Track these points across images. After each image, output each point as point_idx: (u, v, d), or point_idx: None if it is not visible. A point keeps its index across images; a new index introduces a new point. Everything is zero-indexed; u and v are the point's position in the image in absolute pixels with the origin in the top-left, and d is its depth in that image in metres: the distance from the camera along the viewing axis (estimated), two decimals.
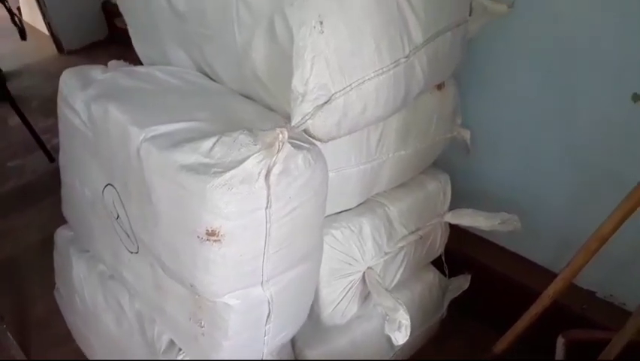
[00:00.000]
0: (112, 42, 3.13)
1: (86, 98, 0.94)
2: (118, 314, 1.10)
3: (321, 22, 0.70)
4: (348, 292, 1.07)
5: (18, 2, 3.14)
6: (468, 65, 1.07)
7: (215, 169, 0.70)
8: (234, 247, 0.74)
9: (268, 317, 0.86)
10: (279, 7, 0.75)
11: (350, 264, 1.04)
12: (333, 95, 0.74)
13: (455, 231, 1.28)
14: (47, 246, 1.36)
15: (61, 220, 1.25)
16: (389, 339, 0.95)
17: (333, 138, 0.82)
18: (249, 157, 0.69)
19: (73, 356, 1.40)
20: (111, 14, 3.03)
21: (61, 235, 1.29)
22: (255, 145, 0.71)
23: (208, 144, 0.73)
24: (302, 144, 0.76)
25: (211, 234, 0.72)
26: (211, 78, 1.01)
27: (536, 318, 1.08)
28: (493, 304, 1.32)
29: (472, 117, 1.23)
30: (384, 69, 0.78)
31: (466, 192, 1.28)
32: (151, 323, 1.03)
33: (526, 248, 1.36)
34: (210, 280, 0.77)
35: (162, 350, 1.01)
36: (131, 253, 0.95)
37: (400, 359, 1.34)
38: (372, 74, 0.77)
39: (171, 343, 1.00)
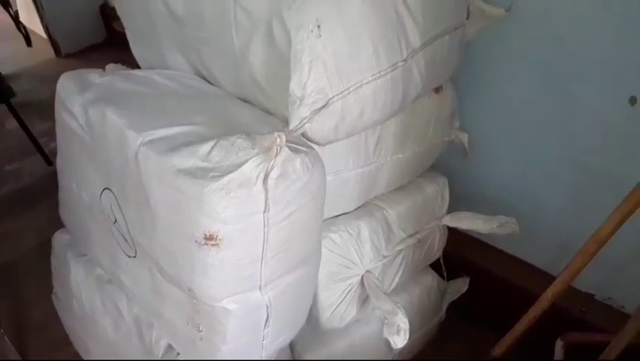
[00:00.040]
0: (110, 45, 3.13)
1: (83, 102, 0.94)
2: (116, 319, 1.10)
3: (319, 26, 0.70)
4: (346, 295, 1.07)
5: (16, 6, 3.14)
6: (466, 68, 1.07)
7: (213, 173, 0.70)
8: (232, 251, 0.74)
9: (266, 321, 0.86)
10: (277, 11, 0.75)
11: (348, 267, 1.04)
12: (330, 98, 0.74)
13: (453, 234, 1.29)
14: (45, 250, 1.35)
15: (59, 224, 1.25)
16: (388, 343, 0.95)
17: (331, 142, 0.82)
18: (246, 161, 0.69)
19: None
20: (109, 17, 3.03)
21: (59, 239, 1.29)
22: (253, 149, 0.71)
23: (206, 148, 0.73)
24: (300, 147, 0.76)
25: (209, 238, 0.72)
26: (209, 82, 1.01)
27: (535, 321, 1.08)
28: (492, 307, 1.32)
29: (470, 120, 1.23)
30: (382, 73, 0.78)
31: (464, 195, 1.28)
32: (149, 327, 1.02)
33: (525, 251, 1.36)
34: (208, 284, 0.77)
35: (160, 354, 1.00)
36: (129, 257, 0.95)
37: None
38: (370, 78, 0.77)
39: (169, 347, 1.00)
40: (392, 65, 0.79)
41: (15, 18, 2.54)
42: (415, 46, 0.82)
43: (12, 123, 2.18)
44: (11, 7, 2.53)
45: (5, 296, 1.63)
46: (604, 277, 1.19)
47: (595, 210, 0.95)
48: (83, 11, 3.04)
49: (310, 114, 0.73)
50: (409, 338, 0.94)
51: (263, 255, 0.77)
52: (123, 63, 1.16)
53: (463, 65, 1.02)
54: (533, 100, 1.15)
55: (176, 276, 0.82)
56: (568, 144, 1.14)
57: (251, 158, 0.69)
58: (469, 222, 1.16)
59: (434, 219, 1.20)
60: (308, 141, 0.79)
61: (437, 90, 1.06)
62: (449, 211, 1.22)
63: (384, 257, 1.10)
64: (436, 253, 1.27)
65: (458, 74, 1.04)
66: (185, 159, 0.73)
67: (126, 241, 0.93)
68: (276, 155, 0.68)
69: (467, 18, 0.96)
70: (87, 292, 1.16)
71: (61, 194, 1.18)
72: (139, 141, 0.79)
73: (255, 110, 0.91)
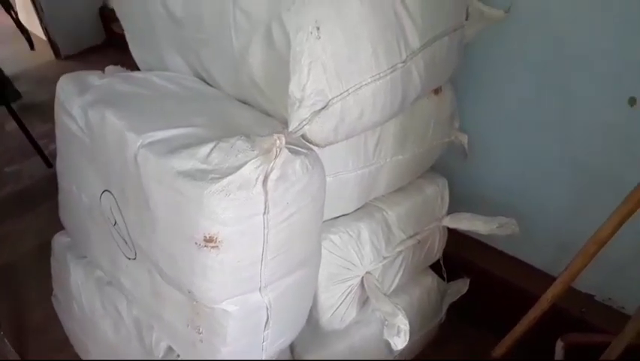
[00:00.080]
0: (109, 47, 3.13)
1: (83, 104, 0.94)
2: (116, 321, 1.10)
3: (318, 28, 0.70)
4: (346, 297, 1.07)
5: (15, 7, 3.14)
6: (465, 69, 1.08)
7: (213, 175, 0.70)
8: (232, 253, 0.74)
9: (267, 322, 0.86)
10: (276, 13, 0.75)
11: (348, 269, 1.04)
12: (330, 100, 0.74)
13: (453, 235, 1.28)
14: (45, 252, 1.35)
15: (59, 226, 1.25)
16: (388, 344, 0.95)
17: (331, 143, 0.82)
18: (246, 163, 0.69)
19: None
20: (108, 19, 3.03)
21: (59, 241, 1.29)
22: (253, 151, 0.71)
23: (205, 150, 0.73)
24: (299, 149, 0.76)
25: (209, 240, 0.72)
26: (208, 84, 1.01)
27: (535, 322, 1.08)
28: (492, 308, 1.32)
29: (470, 121, 1.23)
30: (382, 74, 0.78)
31: (464, 196, 1.28)
32: (149, 329, 1.02)
33: (525, 252, 1.36)
34: (208, 286, 0.77)
35: (160, 356, 1.00)
36: (129, 259, 0.95)
37: None
38: (370, 80, 0.77)
39: (169, 349, 1.00)
40: (391, 67, 0.79)
41: (17, 21, 2.54)
42: (414, 47, 0.82)
43: (12, 125, 2.18)
44: (13, 10, 2.53)
45: (5, 298, 1.63)
46: (604, 277, 1.19)
47: (595, 210, 0.95)
48: (83, 13, 3.04)
49: (310, 116, 0.73)
50: (409, 339, 0.94)
51: (263, 257, 0.77)
52: (122, 65, 1.16)
53: (463, 66, 1.02)
54: (533, 101, 1.15)
55: (176, 278, 0.82)
56: (568, 145, 1.14)
57: (250, 160, 0.69)
58: (469, 223, 1.16)
59: (434, 220, 1.20)
60: (307, 143, 0.79)
61: (436, 91, 1.06)
62: (449, 212, 1.22)
63: (384, 258, 1.10)
64: (436, 254, 1.27)
65: (457, 75, 1.04)
66: (185, 161, 0.73)
67: (126, 243, 0.93)
68: (276, 157, 0.68)
69: (466, 19, 0.96)
70: (87, 294, 1.16)
71: (61, 196, 1.18)
72: (138, 143, 0.79)
73: (254, 111, 0.91)
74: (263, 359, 0.91)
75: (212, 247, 0.72)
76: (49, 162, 2.17)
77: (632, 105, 0.99)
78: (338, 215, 1.07)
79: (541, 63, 1.09)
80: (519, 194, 1.28)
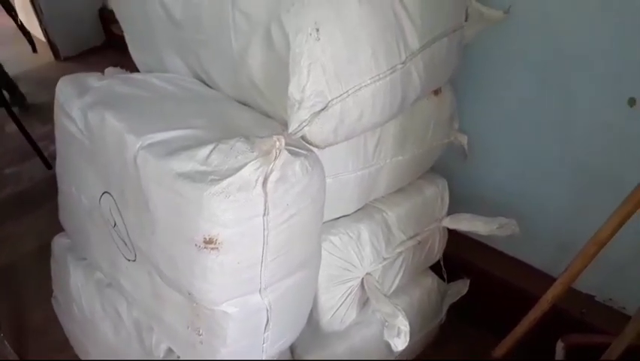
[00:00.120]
0: (109, 49, 3.13)
1: (82, 106, 0.94)
2: (115, 322, 1.09)
3: (318, 30, 0.70)
4: (346, 298, 1.06)
5: (14, 9, 3.14)
6: (464, 70, 1.07)
7: (213, 177, 0.70)
8: (232, 255, 0.74)
9: (267, 324, 0.86)
10: (276, 15, 0.75)
11: (348, 270, 1.04)
12: (329, 101, 0.74)
13: (453, 236, 1.28)
14: (44, 253, 1.35)
15: (59, 228, 1.25)
16: (388, 345, 0.95)
17: (330, 145, 0.82)
18: (246, 164, 0.69)
19: None
20: (108, 21, 3.04)
21: (59, 242, 1.28)
22: (252, 152, 0.71)
23: (205, 151, 0.73)
24: (299, 150, 0.76)
25: (209, 242, 0.71)
26: (207, 85, 1.00)
27: (535, 323, 1.08)
28: (492, 309, 1.32)
29: (469, 122, 1.23)
30: (381, 75, 0.78)
31: (464, 196, 1.28)
32: (149, 331, 1.02)
33: (525, 252, 1.35)
34: (208, 288, 0.77)
35: (160, 358, 1.00)
36: (129, 261, 0.95)
37: None
38: (369, 81, 0.77)
39: (169, 351, 0.99)
40: (391, 68, 0.79)
41: (20, 26, 2.54)
42: (414, 48, 0.82)
43: (11, 127, 2.18)
44: (15, 13, 2.53)
45: (5, 299, 1.63)
46: (604, 278, 1.19)
47: (595, 210, 0.95)
48: (82, 14, 3.05)
49: (309, 117, 0.73)
50: (410, 340, 0.94)
51: (263, 258, 0.77)
52: (122, 66, 1.16)
53: (462, 67, 1.02)
54: (532, 101, 1.15)
55: (176, 280, 0.82)
56: (568, 145, 1.14)
57: (250, 161, 0.69)
58: (468, 223, 1.16)
59: (434, 221, 1.20)
60: (307, 144, 0.79)
61: (436, 92, 1.06)
62: (449, 213, 1.22)
63: (385, 259, 1.09)
64: (436, 254, 1.27)
65: (457, 76, 1.04)
66: (184, 163, 0.73)
67: (126, 244, 0.93)
68: (276, 158, 0.68)
69: (466, 20, 0.96)
70: (87, 295, 1.16)
71: (61, 198, 1.18)
72: (138, 145, 0.79)
73: (253, 113, 0.91)
74: (263, 360, 0.91)
75: (212, 249, 0.72)
76: (49, 163, 2.17)
77: (631, 105, 0.99)
78: (338, 216, 1.07)
79: (541, 63, 1.09)
80: (519, 194, 1.28)
